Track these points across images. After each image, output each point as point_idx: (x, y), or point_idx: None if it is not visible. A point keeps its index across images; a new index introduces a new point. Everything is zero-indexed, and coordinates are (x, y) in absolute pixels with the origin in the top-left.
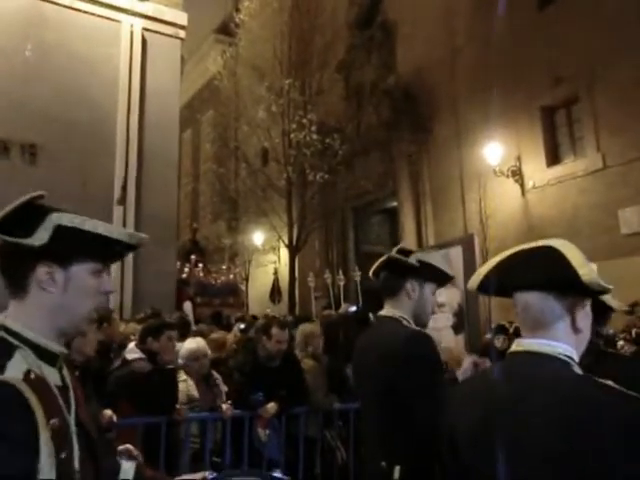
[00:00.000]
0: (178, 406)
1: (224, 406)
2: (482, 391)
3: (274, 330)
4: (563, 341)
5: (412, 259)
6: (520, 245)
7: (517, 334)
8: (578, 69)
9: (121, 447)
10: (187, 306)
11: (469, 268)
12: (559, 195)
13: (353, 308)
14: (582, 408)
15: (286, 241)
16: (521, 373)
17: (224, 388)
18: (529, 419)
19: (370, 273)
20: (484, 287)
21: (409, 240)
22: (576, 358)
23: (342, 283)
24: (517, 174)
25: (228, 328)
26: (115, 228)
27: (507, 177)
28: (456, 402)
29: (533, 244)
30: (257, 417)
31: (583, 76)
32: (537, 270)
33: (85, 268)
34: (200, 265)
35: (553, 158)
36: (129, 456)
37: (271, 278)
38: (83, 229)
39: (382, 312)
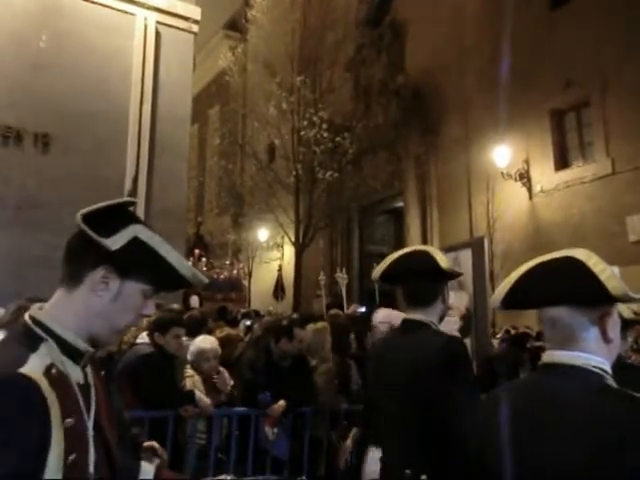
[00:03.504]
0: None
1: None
2: (515, 404)
3: (297, 331)
4: (594, 353)
5: (449, 263)
6: (540, 257)
7: (519, 339)
8: (590, 73)
9: (147, 444)
10: (194, 300)
11: (478, 271)
12: (566, 200)
13: (362, 309)
14: (613, 431)
15: (292, 238)
16: (552, 390)
17: (230, 382)
18: (561, 437)
19: (377, 276)
20: (507, 303)
21: (414, 241)
22: (609, 369)
23: (346, 282)
24: (525, 177)
25: (233, 323)
26: (184, 263)
27: (515, 180)
28: (488, 414)
29: (553, 255)
30: (264, 415)
31: (595, 80)
32: (562, 284)
33: (139, 286)
34: (203, 259)
35: (562, 162)
36: (153, 453)
37: (274, 275)
38: (156, 251)
39: (409, 316)
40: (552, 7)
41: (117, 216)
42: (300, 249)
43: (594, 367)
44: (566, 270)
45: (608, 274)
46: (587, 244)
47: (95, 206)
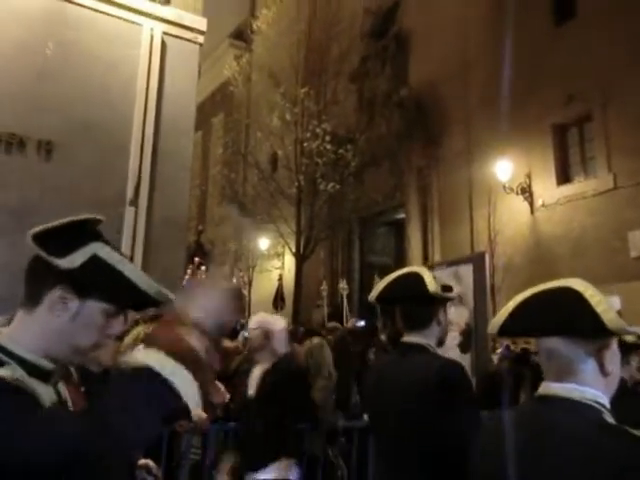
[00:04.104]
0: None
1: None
2: (514, 433)
3: (294, 346)
4: (592, 386)
5: (438, 287)
6: (538, 286)
7: (521, 356)
8: (592, 88)
9: (141, 461)
10: None
11: (479, 287)
12: (568, 214)
13: (361, 323)
14: (609, 468)
15: (293, 248)
16: (549, 422)
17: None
18: (560, 468)
19: (373, 298)
20: (505, 331)
21: (415, 253)
22: (607, 403)
23: (346, 292)
24: (527, 191)
25: (232, 334)
26: (147, 280)
27: (516, 194)
28: (487, 441)
29: (550, 285)
30: None
31: (597, 95)
32: (558, 315)
33: (100, 306)
34: (203, 267)
35: (563, 177)
36: (148, 472)
37: (273, 284)
38: (116, 268)
39: (407, 339)
40: (556, 23)
41: (76, 234)
42: (301, 260)
43: (591, 401)
44: (563, 301)
45: (604, 307)
46: (588, 259)
47: (51, 224)
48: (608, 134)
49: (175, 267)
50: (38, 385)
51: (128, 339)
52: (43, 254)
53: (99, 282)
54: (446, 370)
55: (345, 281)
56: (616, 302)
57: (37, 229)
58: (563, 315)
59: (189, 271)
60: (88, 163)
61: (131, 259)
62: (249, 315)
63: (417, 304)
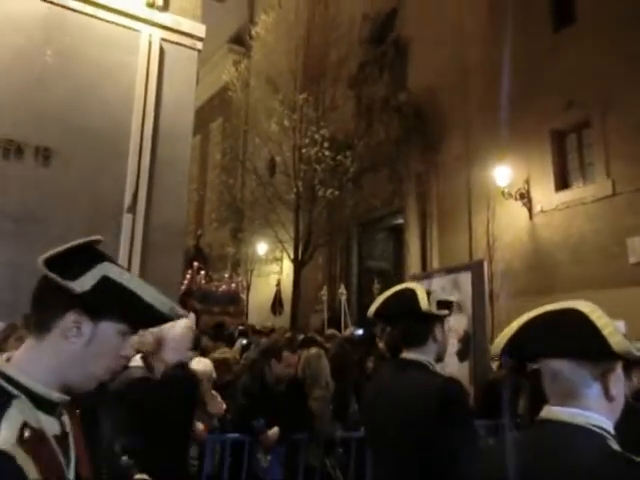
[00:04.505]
0: None
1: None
2: (515, 456)
3: (285, 354)
4: (596, 411)
5: (432, 304)
6: (542, 307)
7: (520, 365)
8: (591, 94)
9: (137, 477)
10: (190, 318)
11: (478, 294)
12: (567, 220)
13: (359, 331)
14: None
15: (291, 254)
16: (552, 447)
17: (223, 406)
18: None
19: (371, 315)
20: (507, 351)
21: (413, 259)
22: (611, 429)
23: (344, 298)
24: (525, 197)
25: (230, 341)
26: (159, 297)
27: (515, 200)
28: (484, 468)
29: (557, 306)
30: (258, 442)
31: (596, 101)
32: (564, 336)
33: (114, 327)
34: (202, 272)
35: (562, 183)
36: None
37: (272, 288)
38: (128, 288)
39: (405, 355)
40: (555, 29)
41: (83, 256)
42: (299, 266)
43: (594, 426)
44: (568, 322)
45: (611, 329)
46: (587, 265)
47: (58, 249)
48: (607, 140)
49: (173, 273)
50: (45, 418)
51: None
52: (58, 279)
53: (112, 303)
54: (446, 389)
55: (343, 286)
56: (621, 326)
57: (47, 255)
58: (568, 337)
59: (188, 276)
60: (86, 169)
61: (129, 265)
62: (247, 319)
63: (413, 321)
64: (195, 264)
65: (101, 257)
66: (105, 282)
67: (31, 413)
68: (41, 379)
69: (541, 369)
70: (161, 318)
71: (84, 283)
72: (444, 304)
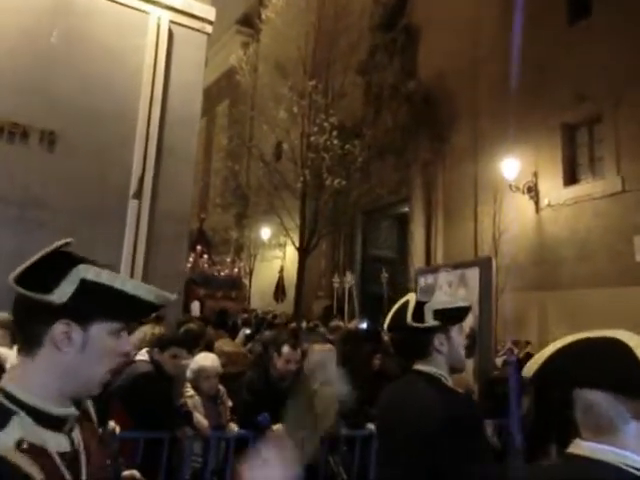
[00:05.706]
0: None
1: (232, 425)
2: None
3: (285, 349)
4: (632, 450)
5: (428, 314)
6: (579, 334)
7: (525, 363)
8: (604, 88)
9: (126, 473)
10: (195, 306)
11: (485, 291)
12: (574, 215)
13: (364, 325)
14: None
15: (296, 242)
16: None
17: (229, 403)
18: None
19: (385, 328)
20: (539, 377)
21: (418, 247)
22: None
23: (348, 285)
24: (533, 191)
25: (234, 330)
26: (143, 286)
27: (522, 193)
28: None
29: (595, 334)
30: (262, 438)
31: (609, 96)
32: (603, 367)
33: (105, 328)
34: (205, 256)
35: (570, 177)
36: None
37: (274, 273)
38: (109, 285)
39: (416, 366)
40: (569, 22)
41: (55, 264)
42: (303, 255)
43: (628, 466)
44: (609, 353)
45: None
46: (593, 261)
47: (27, 263)
48: (618, 136)
49: (177, 259)
50: (47, 434)
51: (134, 340)
52: (33, 295)
53: (97, 305)
54: (455, 410)
55: (350, 273)
56: None
57: (16, 272)
58: (609, 368)
59: (191, 259)
60: (92, 154)
61: (134, 252)
62: (249, 303)
63: (405, 334)
64: (198, 247)
65: (74, 260)
66: (84, 285)
67: (31, 430)
68: (40, 394)
69: (574, 398)
70: (149, 307)
71: (63, 292)
72: (451, 312)
